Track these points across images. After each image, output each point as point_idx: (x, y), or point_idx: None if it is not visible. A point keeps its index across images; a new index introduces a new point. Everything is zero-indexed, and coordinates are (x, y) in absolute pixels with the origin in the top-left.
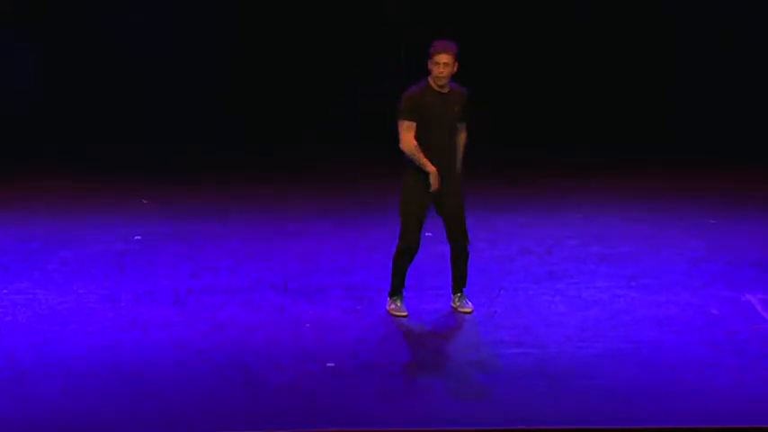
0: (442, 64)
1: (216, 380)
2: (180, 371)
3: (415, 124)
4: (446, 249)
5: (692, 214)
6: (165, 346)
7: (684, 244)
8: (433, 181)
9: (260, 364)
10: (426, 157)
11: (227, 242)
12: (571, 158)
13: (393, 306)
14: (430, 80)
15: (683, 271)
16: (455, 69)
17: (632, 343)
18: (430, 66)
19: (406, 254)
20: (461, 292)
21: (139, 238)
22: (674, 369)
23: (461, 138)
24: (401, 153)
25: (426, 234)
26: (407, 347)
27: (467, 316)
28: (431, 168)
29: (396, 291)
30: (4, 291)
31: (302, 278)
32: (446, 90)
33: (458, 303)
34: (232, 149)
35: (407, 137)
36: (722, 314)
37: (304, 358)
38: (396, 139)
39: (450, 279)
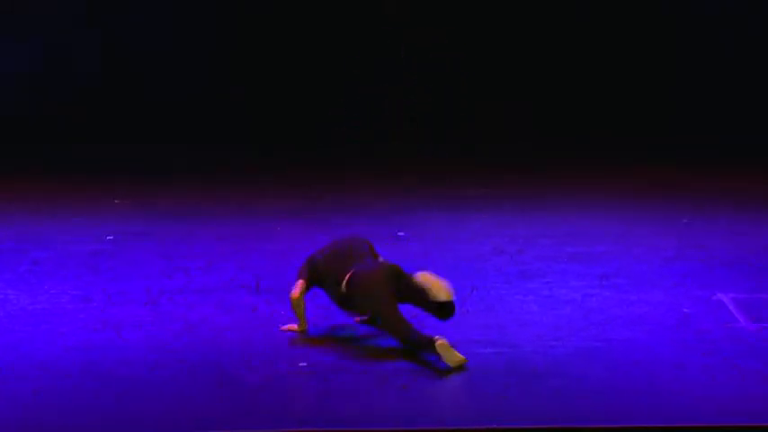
0: None
1: (189, 380)
2: (153, 371)
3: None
4: (419, 249)
5: (665, 213)
6: (137, 347)
7: (656, 243)
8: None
9: (233, 364)
10: None
11: (200, 242)
12: (543, 158)
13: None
14: None
15: (654, 270)
16: None
17: (604, 342)
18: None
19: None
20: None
21: (111, 237)
22: (645, 368)
23: None
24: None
25: (399, 234)
26: (380, 347)
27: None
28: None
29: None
30: None
31: (275, 278)
32: None
33: None
34: (217, 149)
35: None
36: (694, 313)
37: (277, 358)
38: None
39: None
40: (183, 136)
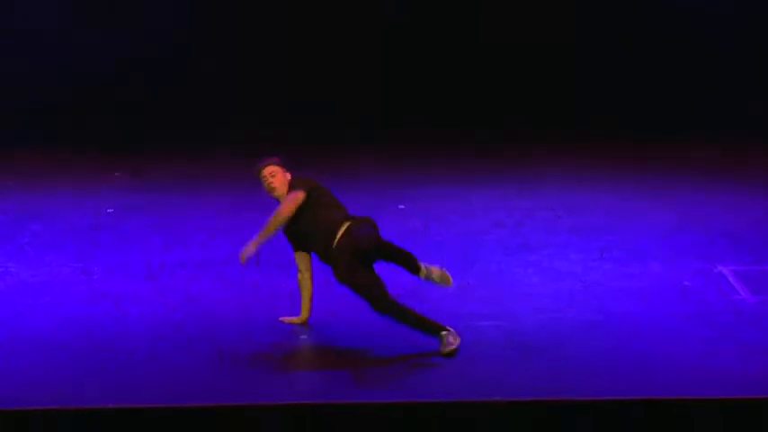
0: (269, 176)
1: (188, 353)
2: (152, 344)
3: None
4: (420, 222)
5: (664, 186)
6: (137, 319)
7: (656, 216)
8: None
9: (232, 337)
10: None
11: (200, 215)
12: (542, 131)
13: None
14: None
15: (654, 243)
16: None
17: (604, 314)
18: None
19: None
20: None
21: (112, 210)
22: (645, 340)
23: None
24: None
25: (400, 207)
26: (379, 320)
27: (441, 289)
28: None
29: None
30: None
31: (275, 252)
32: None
33: None
34: (211, 123)
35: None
36: (694, 286)
37: (276, 331)
38: None
39: None
40: (184, 110)
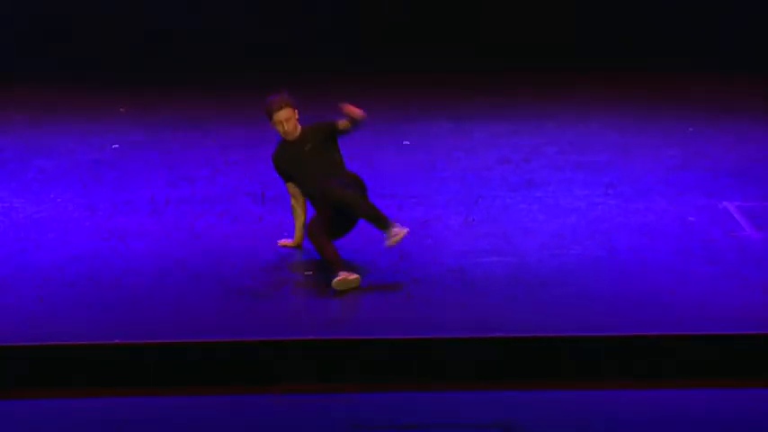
0: (284, 121)
1: (193, 289)
2: (157, 280)
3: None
4: (425, 159)
5: (669, 122)
6: (142, 256)
7: (662, 152)
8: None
9: (237, 272)
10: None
11: (205, 151)
12: (547, 66)
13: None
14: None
15: (660, 179)
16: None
17: (609, 251)
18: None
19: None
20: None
21: (117, 146)
22: (649, 277)
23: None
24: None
25: (405, 143)
26: (385, 256)
27: (446, 224)
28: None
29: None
30: None
31: (281, 187)
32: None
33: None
34: (216, 59)
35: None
36: (699, 222)
37: (281, 267)
38: None
39: None
40: (187, 42)
